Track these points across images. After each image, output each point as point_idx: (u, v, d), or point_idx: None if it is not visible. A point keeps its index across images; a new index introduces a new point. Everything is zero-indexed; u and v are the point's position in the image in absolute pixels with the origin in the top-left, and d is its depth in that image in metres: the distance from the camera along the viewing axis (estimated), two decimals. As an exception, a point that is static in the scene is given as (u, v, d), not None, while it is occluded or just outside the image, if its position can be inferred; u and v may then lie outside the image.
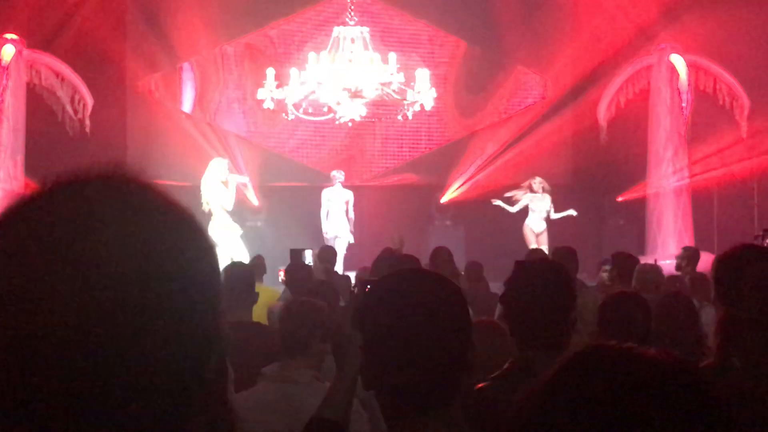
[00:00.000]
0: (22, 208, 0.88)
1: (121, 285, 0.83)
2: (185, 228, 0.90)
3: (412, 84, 13.54)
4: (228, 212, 12.23)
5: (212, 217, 12.05)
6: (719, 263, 3.10)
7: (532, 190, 13.66)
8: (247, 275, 4.98)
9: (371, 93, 13.56)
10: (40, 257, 0.83)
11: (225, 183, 12.22)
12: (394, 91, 13.43)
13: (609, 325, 3.47)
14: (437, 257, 7.34)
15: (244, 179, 12.80)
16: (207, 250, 0.90)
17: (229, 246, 11.82)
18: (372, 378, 1.76)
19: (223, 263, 8.25)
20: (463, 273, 8.36)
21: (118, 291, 0.82)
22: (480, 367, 2.96)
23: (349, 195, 13.27)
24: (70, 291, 0.81)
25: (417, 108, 13.12)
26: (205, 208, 12.04)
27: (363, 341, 1.78)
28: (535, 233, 13.57)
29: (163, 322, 0.84)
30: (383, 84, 13.46)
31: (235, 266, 5.20)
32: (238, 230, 12.26)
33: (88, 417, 0.81)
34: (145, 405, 0.83)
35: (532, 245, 12.99)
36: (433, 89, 13.49)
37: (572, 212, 13.54)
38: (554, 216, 13.48)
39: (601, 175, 15.02)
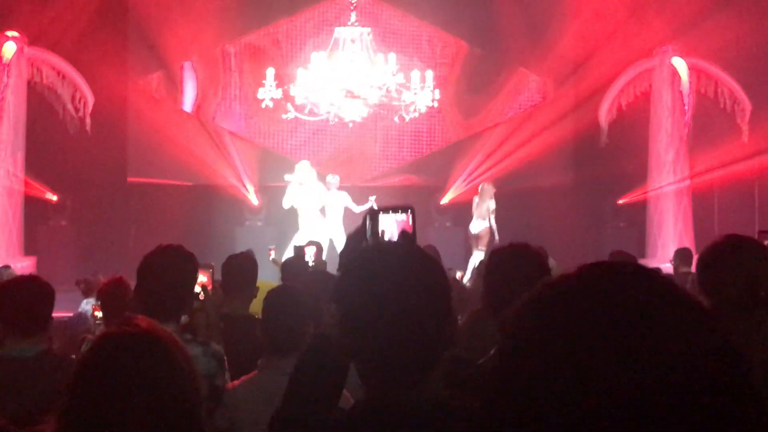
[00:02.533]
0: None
1: None
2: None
3: (411, 85, 13.59)
4: (309, 213, 12.83)
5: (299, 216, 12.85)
6: (701, 255, 3.17)
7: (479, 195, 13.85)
8: (247, 269, 5.00)
9: (372, 94, 13.64)
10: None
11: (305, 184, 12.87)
12: (394, 91, 13.46)
13: None
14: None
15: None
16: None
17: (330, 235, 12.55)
18: (349, 350, 1.77)
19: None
20: (461, 273, 8.38)
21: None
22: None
23: (345, 196, 13.33)
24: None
25: (423, 109, 13.25)
26: (286, 206, 12.75)
27: (340, 314, 1.77)
28: (473, 234, 13.66)
29: None
30: (383, 85, 13.50)
31: (236, 259, 5.20)
32: (322, 229, 12.75)
33: None
34: None
35: (474, 248, 13.36)
36: (436, 90, 13.64)
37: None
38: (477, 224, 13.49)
39: (602, 178, 15.02)
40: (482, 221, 13.55)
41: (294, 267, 6.57)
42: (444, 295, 1.78)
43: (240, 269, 4.97)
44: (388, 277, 1.75)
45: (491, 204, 13.59)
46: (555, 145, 15.59)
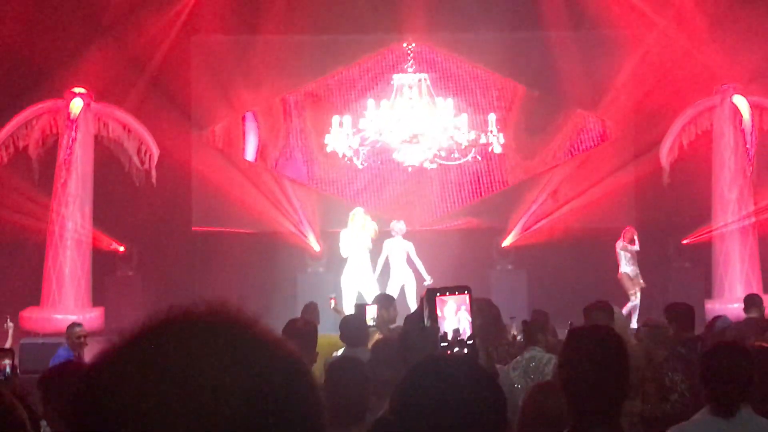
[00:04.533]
0: (139, 340, 0.98)
1: (229, 423, 0.92)
2: (290, 368, 0.98)
3: (473, 129, 13.97)
4: (358, 255, 12.77)
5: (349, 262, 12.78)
6: None
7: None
8: (306, 334, 4.99)
9: (434, 138, 14.00)
10: (158, 388, 0.93)
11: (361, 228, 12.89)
12: (455, 135, 13.86)
13: (712, 376, 3.50)
14: (482, 309, 6.95)
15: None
16: (310, 388, 0.99)
17: (360, 285, 12.52)
18: None
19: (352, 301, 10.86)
20: (518, 325, 8.12)
21: (226, 428, 0.92)
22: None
23: (410, 246, 13.21)
24: (183, 424, 0.91)
25: (497, 149, 13.62)
26: (345, 254, 12.78)
27: (398, 424, 1.84)
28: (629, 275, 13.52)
29: None
30: (445, 129, 13.89)
31: (295, 324, 5.18)
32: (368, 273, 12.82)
33: None
34: None
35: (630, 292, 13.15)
36: (500, 134, 13.96)
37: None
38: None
39: (665, 218, 14.81)
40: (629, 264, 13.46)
41: (353, 330, 6.37)
42: (499, 416, 1.87)
43: (299, 335, 4.92)
44: (446, 401, 1.82)
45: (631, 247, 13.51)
46: (617, 186, 15.41)
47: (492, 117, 14.11)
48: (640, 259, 13.56)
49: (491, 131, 14.11)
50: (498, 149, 14.21)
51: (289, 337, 4.53)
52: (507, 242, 15.62)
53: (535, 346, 6.06)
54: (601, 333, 2.94)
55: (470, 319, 2.83)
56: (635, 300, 13.23)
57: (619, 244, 13.64)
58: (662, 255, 14.89)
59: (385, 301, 7.69)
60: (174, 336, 0.97)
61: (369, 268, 12.76)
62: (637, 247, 13.53)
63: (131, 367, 0.95)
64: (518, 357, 6.11)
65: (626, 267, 13.47)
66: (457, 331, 2.79)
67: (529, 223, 15.81)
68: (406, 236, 13.47)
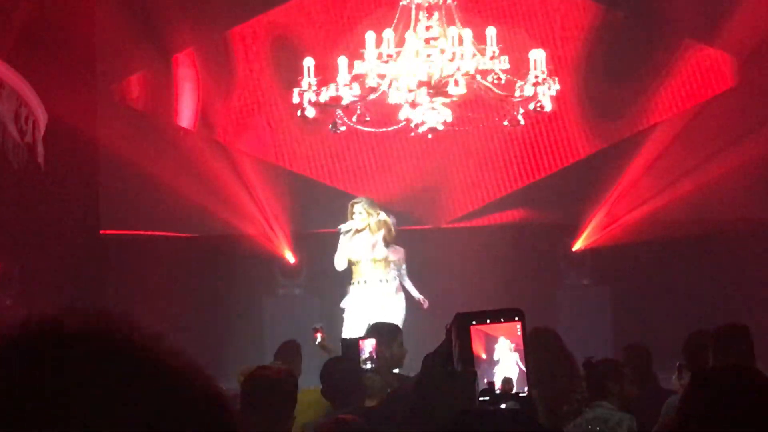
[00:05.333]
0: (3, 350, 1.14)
1: None
2: (202, 409, 1.14)
3: (521, 73, 13.23)
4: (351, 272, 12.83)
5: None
6: None
7: None
8: (281, 393, 5.41)
9: (460, 88, 13.25)
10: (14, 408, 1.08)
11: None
12: (494, 84, 13.18)
13: None
14: (542, 344, 6.93)
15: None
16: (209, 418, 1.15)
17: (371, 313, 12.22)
18: None
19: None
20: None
21: None
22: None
23: (399, 252, 13.05)
24: None
25: (547, 106, 12.85)
26: (340, 266, 12.80)
27: None
28: None
29: None
30: (478, 74, 13.20)
31: (265, 376, 5.63)
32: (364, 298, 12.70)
33: None
34: None
35: None
36: (555, 79, 13.13)
37: None
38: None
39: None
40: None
41: (339, 380, 6.79)
42: None
43: (271, 394, 5.35)
44: None
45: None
46: (748, 157, 15.07)
47: (541, 55, 13.42)
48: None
49: (549, 78, 13.42)
50: (548, 106, 13.53)
51: (255, 396, 5.37)
52: (579, 245, 15.43)
53: (602, 401, 6.44)
54: (744, 377, 3.20)
55: (523, 360, 3.04)
56: None
57: None
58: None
59: (387, 332, 8.11)
60: (25, 357, 1.13)
61: (383, 288, 12.79)
62: None
63: None
64: (578, 418, 6.51)
65: None
66: (507, 381, 3.01)
67: (612, 215, 15.62)
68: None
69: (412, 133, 13.68)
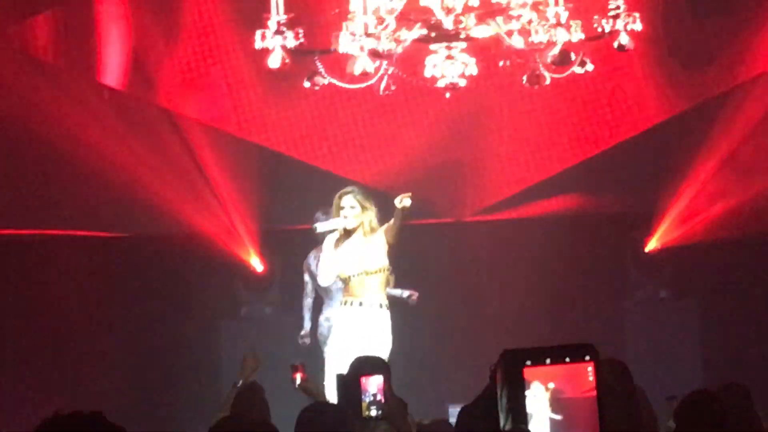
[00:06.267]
0: None
1: None
2: None
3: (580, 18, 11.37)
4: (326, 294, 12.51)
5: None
6: None
7: None
8: None
9: (482, 29, 11.12)
10: None
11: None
12: (539, 28, 10.80)
13: None
14: (612, 382, 6.04)
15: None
16: None
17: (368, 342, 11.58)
18: None
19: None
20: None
21: None
22: None
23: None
24: None
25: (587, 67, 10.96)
26: (324, 281, 12.12)
27: None
28: None
29: None
30: (508, 11, 10.95)
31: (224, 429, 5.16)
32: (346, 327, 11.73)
33: None
34: None
35: None
36: (632, 18, 11.01)
37: None
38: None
39: None
40: None
41: None
42: None
43: None
44: None
45: None
46: None
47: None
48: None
49: (618, 13, 11.24)
50: (627, 40, 11.58)
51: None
52: (654, 244, 14.21)
53: None
54: None
55: (596, 413, 3.04)
56: None
57: None
58: None
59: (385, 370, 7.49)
60: None
61: (382, 316, 11.62)
62: None
63: None
64: None
65: None
66: None
67: (699, 203, 14.27)
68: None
69: (447, 94, 11.56)
